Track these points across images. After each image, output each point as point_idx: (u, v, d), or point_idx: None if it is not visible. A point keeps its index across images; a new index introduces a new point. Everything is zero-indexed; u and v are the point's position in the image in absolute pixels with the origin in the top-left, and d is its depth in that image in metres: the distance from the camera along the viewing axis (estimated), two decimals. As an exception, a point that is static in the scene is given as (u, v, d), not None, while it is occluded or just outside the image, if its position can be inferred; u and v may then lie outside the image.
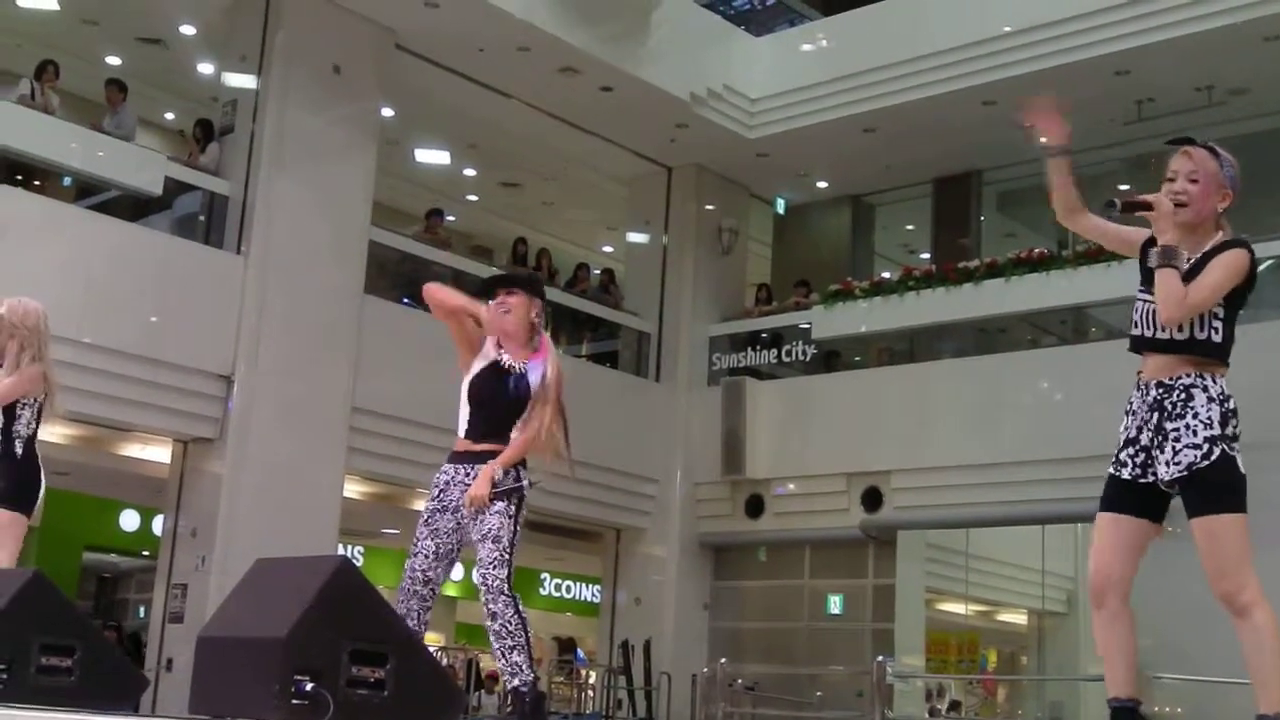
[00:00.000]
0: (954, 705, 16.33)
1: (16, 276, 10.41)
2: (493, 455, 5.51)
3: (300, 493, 13.03)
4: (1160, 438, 4.28)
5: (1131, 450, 4.39)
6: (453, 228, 18.49)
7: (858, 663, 14.27)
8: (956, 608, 16.81)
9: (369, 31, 14.17)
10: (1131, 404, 4.47)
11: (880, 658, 11.03)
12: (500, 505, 5.47)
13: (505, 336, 5.68)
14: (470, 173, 19.51)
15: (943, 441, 14.70)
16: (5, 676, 5.33)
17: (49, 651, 5.49)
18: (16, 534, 6.83)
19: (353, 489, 14.47)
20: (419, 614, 5.56)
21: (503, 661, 5.44)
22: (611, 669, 16.49)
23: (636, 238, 18.50)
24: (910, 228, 18.70)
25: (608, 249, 21.04)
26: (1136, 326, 4.43)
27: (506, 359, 5.65)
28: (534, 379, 5.60)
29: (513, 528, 5.49)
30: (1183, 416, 4.25)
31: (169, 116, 17.21)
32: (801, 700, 14.71)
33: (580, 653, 20.07)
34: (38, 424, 6.94)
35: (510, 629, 5.41)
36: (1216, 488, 4.18)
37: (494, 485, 5.45)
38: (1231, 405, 4.25)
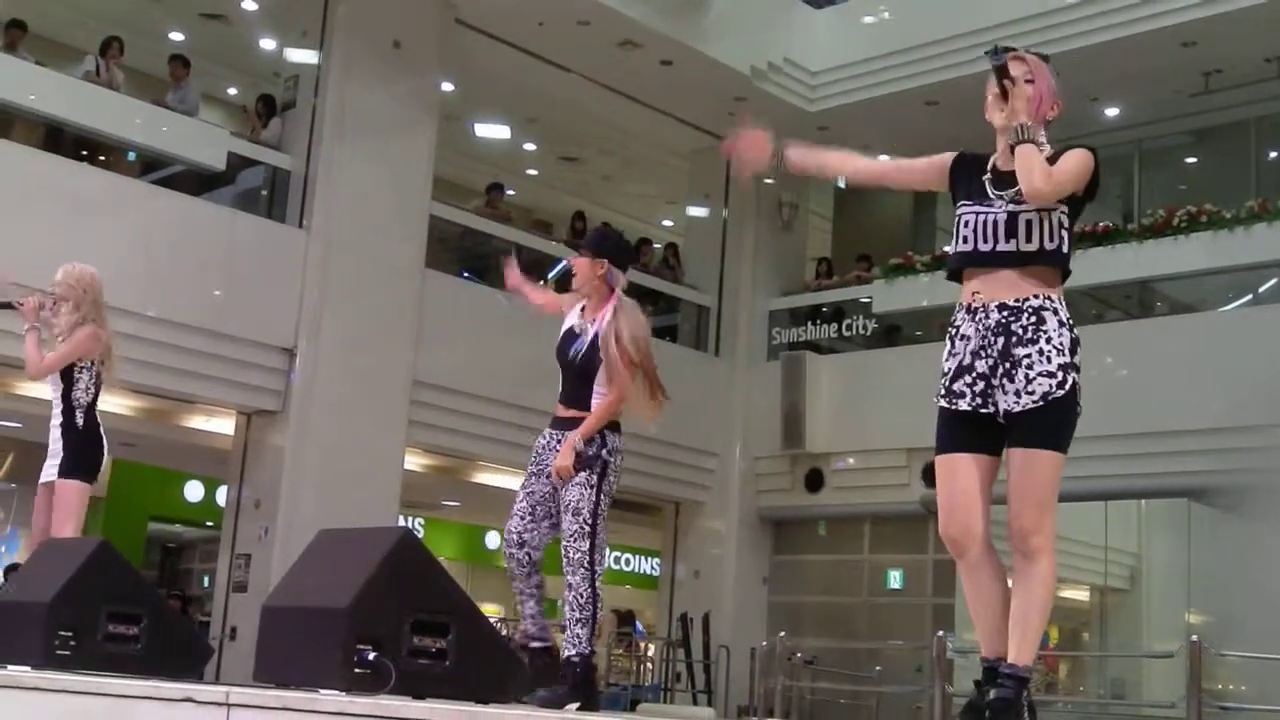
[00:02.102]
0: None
1: (83, 251, 10.53)
2: (578, 421, 5.52)
3: (362, 465, 13.11)
4: (1009, 364, 3.96)
5: (968, 379, 4.05)
6: (513, 202, 18.51)
7: (918, 638, 14.20)
8: (1018, 583, 16.69)
9: (429, 6, 14.18)
10: (959, 328, 4.10)
11: (940, 633, 10.98)
12: (582, 476, 5.47)
13: (588, 300, 5.70)
14: (530, 147, 19.51)
15: (1004, 416, 14.56)
16: (73, 644, 5.42)
17: (116, 620, 5.58)
18: (83, 504, 6.93)
19: (413, 461, 14.56)
20: (518, 575, 5.56)
21: (567, 630, 5.46)
22: (670, 642, 16.53)
23: (696, 212, 18.46)
24: (972, 201, 18.54)
25: (668, 223, 21.01)
26: (967, 241, 4.07)
27: (578, 321, 5.68)
28: (602, 336, 5.55)
29: (594, 498, 5.47)
30: (1035, 341, 3.95)
31: (232, 91, 17.32)
32: (861, 675, 14.67)
33: (639, 625, 20.11)
34: (97, 390, 7.01)
35: (581, 602, 5.44)
36: (1057, 421, 3.94)
37: (577, 455, 5.45)
38: (1076, 332, 4.02)
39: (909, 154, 4.48)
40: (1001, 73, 4.12)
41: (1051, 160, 4.03)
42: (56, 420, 6.95)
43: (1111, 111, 15.99)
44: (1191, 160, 17.14)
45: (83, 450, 6.92)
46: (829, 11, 17.11)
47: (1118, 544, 16.67)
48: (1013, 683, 3.95)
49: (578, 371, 5.58)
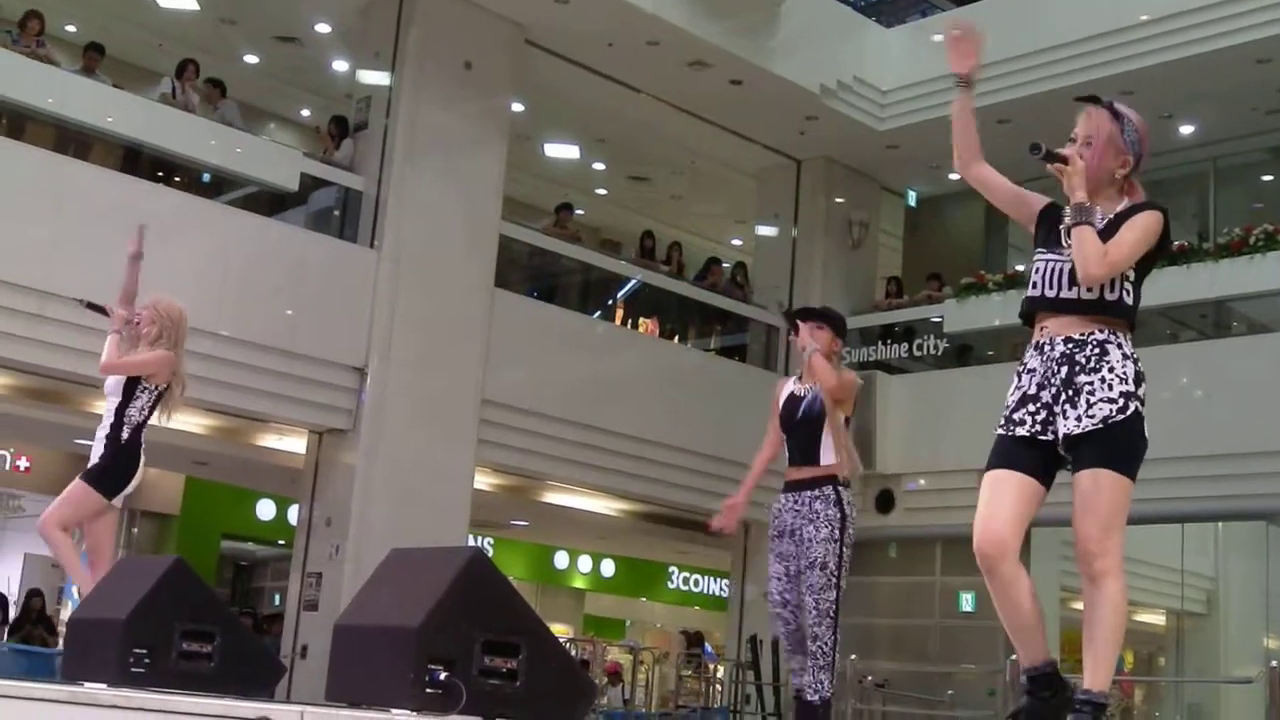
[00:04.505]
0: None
1: (157, 270, 10.65)
2: (811, 482, 6.14)
3: (431, 484, 13.17)
4: (1071, 392, 4.02)
5: (1031, 408, 4.12)
6: (582, 222, 18.57)
7: (990, 661, 14.06)
8: (1092, 607, 16.50)
9: (500, 27, 14.26)
10: (1027, 363, 4.19)
11: (1014, 656, 10.85)
12: (825, 532, 6.02)
13: (809, 368, 6.34)
14: (599, 167, 19.57)
15: (1078, 437, 14.40)
16: (148, 661, 5.46)
17: (190, 638, 5.61)
18: (86, 511, 7.00)
19: (483, 480, 14.60)
20: (786, 635, 6.09)
21: (809, 676, 5.95)
22: (740, 664, 16.44)
23: (765, 231, 18.43)
24: (1045, 220, 18.38)
25: (736, 242, 20.99)
26: (1036, 287, 4.18)
27: (797, 386, 6.40)
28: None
29: (838, 552, 6.02)
30: (1098, 370, 4.00)
31: (305, 113, 17.49)
32: (933, 698, 14.54)
33: (708, 647, 20.05)
34: (150, 414, 7.11)
35: (825, 650, 5.93)
36: (1120, 445, 3.97)
37: (821, 515, 6.03)
38: (1141, 367, 4.05)
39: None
40: (1049, 158, 4.15)
41: (1118, 219, 4.07)
42: (103, 432, 7.06)
43: (1186, 129, 15.82)
44: (1268, 178, 16.92)
45: (116, 466, 7.01)
46: (899, 30, 17.05)
47: (1194, 567, 16.45)
48: (1090, 709, 3.93)
49: (806, 430, 6.23)
